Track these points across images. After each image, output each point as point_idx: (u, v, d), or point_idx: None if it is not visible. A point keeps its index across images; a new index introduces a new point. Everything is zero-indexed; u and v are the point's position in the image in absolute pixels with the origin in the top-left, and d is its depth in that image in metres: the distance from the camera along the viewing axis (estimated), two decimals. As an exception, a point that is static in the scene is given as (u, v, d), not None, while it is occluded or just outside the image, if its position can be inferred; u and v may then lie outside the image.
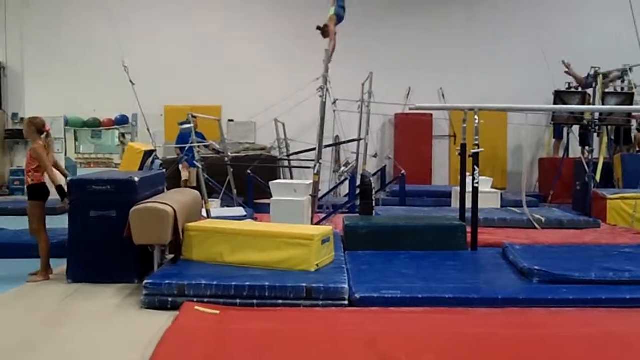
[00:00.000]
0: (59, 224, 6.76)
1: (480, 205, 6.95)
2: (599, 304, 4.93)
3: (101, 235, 5.96)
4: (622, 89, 11.83)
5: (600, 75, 11.38)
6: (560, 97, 11.17)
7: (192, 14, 14.06)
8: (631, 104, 10.61)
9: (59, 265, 6.31)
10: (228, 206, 10.04)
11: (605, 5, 13.19)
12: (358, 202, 8.98)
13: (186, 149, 9.88)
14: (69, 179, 6.29)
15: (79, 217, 6.03)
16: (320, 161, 8.38)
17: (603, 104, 10.77)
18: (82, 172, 12.16)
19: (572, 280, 5.30)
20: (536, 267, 5.45)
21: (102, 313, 5.10)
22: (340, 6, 8.57)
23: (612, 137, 11.50)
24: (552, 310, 4.83)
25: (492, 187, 10.25)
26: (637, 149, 12.01)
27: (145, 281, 5.21)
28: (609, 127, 11.30)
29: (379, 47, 13.97)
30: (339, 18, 8.58)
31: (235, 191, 10.18)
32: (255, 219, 8.91)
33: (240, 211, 9.36)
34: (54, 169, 6.29)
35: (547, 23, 13.64)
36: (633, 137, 12.29)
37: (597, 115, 10.72)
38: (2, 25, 14.13)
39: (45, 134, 6.27)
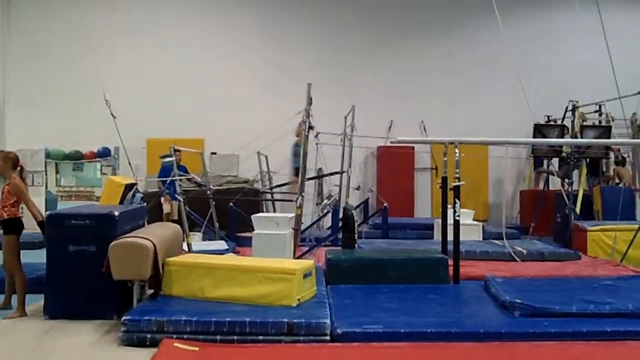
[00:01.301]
0: (36, 259, 6.65)
1: (462, 238, 7.01)
2: (580, 337, 4.94)
3: (79, 270, 5.87)
4: (600, 122, 12.02)
5: (578, 109, 11.59)
6: (539, 130, 11.31)
7: (174, 47, 14.11)
8: (609, 137, 10.78)
9: (36, 301, 6.18)
10: (210, 239, 9.97)
11: (585, 39, 13.43)
12: (340, 235, 8.95)
13: (168, 182, 9.84)
14: (47, 213, 6.22)
15: (57, 252, 5.93)
16: (303, 194, 8.38)
17: (581, 137, 10.94)
18: (63, 206, 12.02)
19: (554, 313, 5.32)
20: (517, 301, 5.47)
21: (79, 350, 5.00)
22: None
23: (587, 171, 11.64)
24: (533, 344, 4.83)
25: (473, 220, 10.30)
26: (617, 181, 12.17)
27: (124, 317, 5.14)
28: (588, 159, 11.46)
29: (361, 81, 14.16)
30: None
31: (217, 224, 10.12)
32: (237, 253, 8.84)
33: (222, 245, 9.30)
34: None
35: (527, 57, 13.87)
36: (612, 170, 12.45)
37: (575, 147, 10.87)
38: (-18, 57, 14.10)
39: (19, 168, 6.24)
